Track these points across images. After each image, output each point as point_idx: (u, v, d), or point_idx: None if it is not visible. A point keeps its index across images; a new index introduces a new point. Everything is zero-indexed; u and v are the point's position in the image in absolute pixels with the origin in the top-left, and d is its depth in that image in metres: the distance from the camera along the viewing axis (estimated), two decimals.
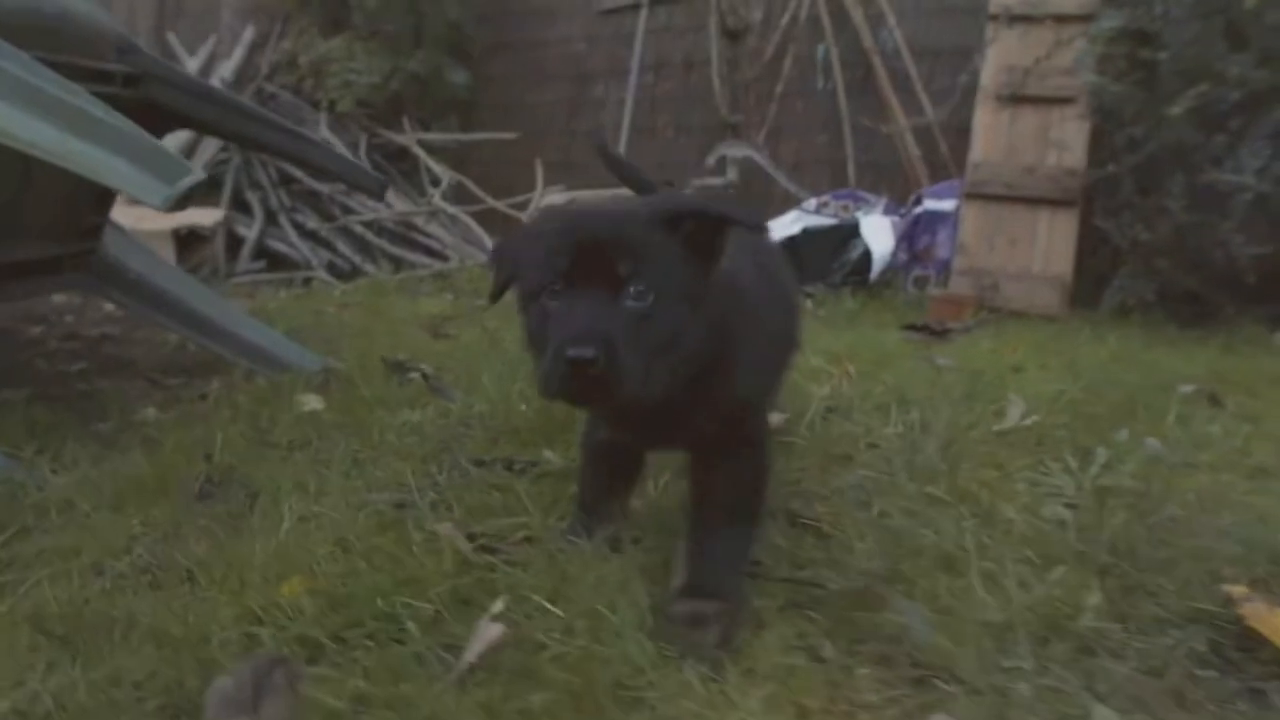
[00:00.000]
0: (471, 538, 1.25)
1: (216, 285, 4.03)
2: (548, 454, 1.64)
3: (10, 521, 1.32)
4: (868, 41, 3.92)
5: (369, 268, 4.38)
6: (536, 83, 4.89)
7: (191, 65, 5.20)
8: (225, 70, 5.01)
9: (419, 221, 4.42)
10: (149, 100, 2.06)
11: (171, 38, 5.32)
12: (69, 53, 1.84)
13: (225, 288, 3.97)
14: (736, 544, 1.13)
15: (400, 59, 4.42)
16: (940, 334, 2.53)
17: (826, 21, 3.99)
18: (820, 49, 4.04)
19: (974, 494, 1.36)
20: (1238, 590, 0.99)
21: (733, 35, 4.00)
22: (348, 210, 4.51)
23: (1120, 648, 0.94)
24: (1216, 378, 1.99)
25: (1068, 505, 1.35)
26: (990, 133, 3.33)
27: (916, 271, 3.31)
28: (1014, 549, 1.15)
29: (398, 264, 4.39)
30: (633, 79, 4.45)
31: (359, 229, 4.47)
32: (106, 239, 2.29)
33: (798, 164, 4.17)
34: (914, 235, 3.32)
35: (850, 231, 3.33)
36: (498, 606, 0.98)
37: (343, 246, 4.45)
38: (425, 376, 2.16)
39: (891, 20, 3.87)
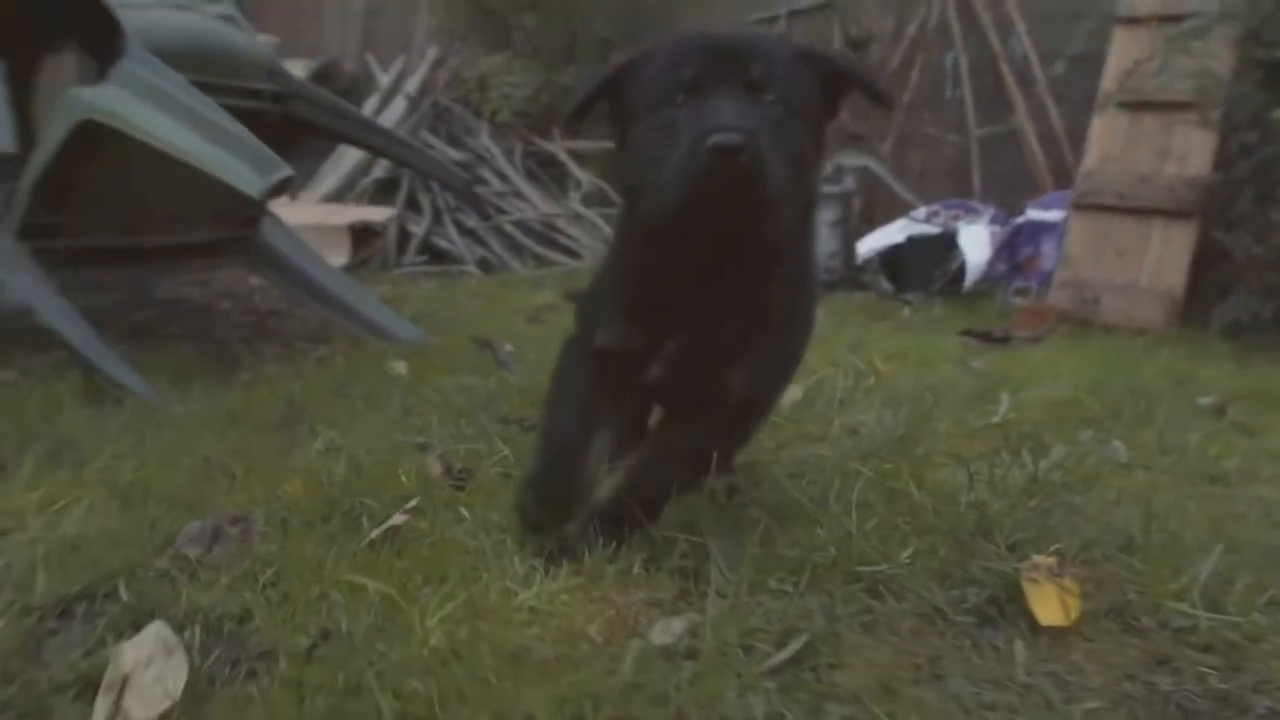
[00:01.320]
0: (449, 468, 1.55)
1: (383, 274, 4.63)
2: None
3: (136, 429, 1.77)
4: (996, 47, 3.88)
5: (515, 264, 4.84)
6: None
7: (384, 80, 5.95)
8: (410, 85, 5.70)
9: (560, 223, 4.83)
10: (292, 114, 2.54)
11: (370, 58, 6.11)
12: (227, 75, 2.33)
13: (389, 277, 4.55)
14: (676, 489, 1.15)
15: (553, 73, 4.86)
16: (1000, 341, 2.55)
17: (956, 29, 3.99)
18: (949, 57, 4.03)
19: (895, 474, 1.48)
20: (1043, 560, 1.09)
21: (855, 45, 4.09)
22: (501, 211, 5.00)
23: (908, 594, 1.07)
24: (1253, 395, 1.92)
25: (991, 491, 1.45)
26: (1106, 139, 3.23)
27: (1018, 283, 3.26)
28: (887, 516, 1.28)
29: (540, 261, 4.82)
30: None
31: (509, 228, 4.95)
32: (263, 227, 2.81)
33: (923, 173, 4.18)
34: (1015, 246, 3.28)
35: (951, 241, 3.35)
36: (411, 504, 1.26)
37: (495, 244, 4.95)
38: (493, 351, 2.50)
39: (1021, 26, 3.81)
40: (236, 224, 2.70)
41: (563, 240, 4.82)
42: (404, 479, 1.45)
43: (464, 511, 1.28)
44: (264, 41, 6.46)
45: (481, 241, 5.01)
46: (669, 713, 0.79)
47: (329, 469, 1.53)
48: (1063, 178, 3.62)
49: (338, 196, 5.37)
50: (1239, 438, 1.65)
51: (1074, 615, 0.95)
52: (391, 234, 5.07)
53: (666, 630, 0.95)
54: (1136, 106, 3.19)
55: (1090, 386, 1.94)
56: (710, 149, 0.92)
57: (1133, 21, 3.30)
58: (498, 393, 2.14)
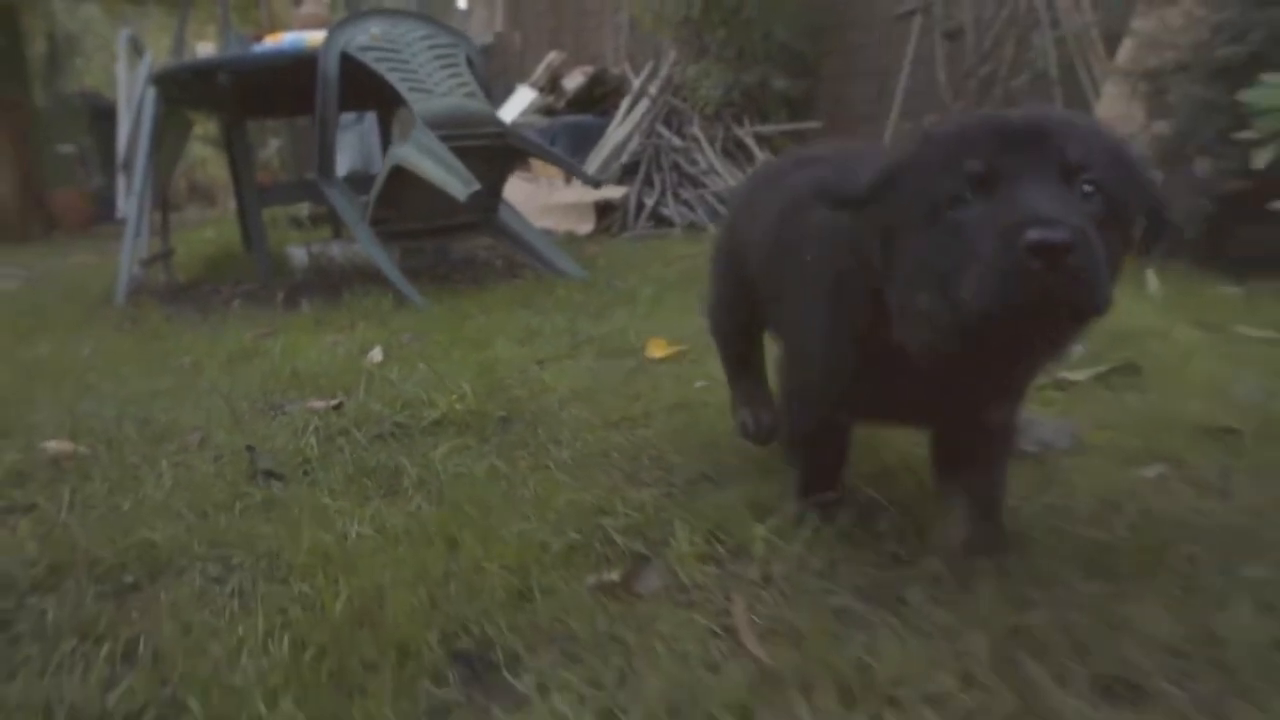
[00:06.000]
0: (530, 332, 3.44)
1: (616, 237, 6.66)
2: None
3: (411, 315, 3.89)
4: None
5: (713, 226, 6.61)
6: (853, 80, 6.55)
7: (635, 84, 7.97)
8: (652, 88, 7.66)
9: None
10: (505, 145, 4.57)
11: (626, 65, 8.20)
12: (470, 128, 4.41)
13: (613, 240, 6.56)
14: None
15: (740, 74, 6.53)
16: None
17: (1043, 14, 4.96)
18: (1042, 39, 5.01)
19: None
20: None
21: (950, 36, 5.19)
22: (703, 185, 6.81)
23: None
24: None
25: None
26: (1110, 106, 4.21)
27: None
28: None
29: None
30: (904, 76, 5.88)
31: (710, 198, 6.73)
32: (501, 211, 4.92)
33: None
34: None
35: None
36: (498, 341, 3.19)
37: (700, 210, 6.76)
38: (609, 282, 4.34)
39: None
40: (485, 210, 4.84)
41: None
42: (508, 331, 3.39)
43: (523, 342, 3.18)
44: (553, 57, 8.84)
45: (693, 208, 6.85)
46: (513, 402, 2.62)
47: (479, 328, 3.51)
48: None
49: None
50: None
51: (664, 354, 2.59)
52: (631, 205, 7.10)
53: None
54: (1153, 74, 4.12)
55: None
56: (1028, 247, 0.80)
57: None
58: (598, 300, 4.00)
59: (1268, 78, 2.58)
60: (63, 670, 1.12)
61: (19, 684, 1.10)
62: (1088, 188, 0.90)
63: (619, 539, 1.37)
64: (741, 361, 1.78)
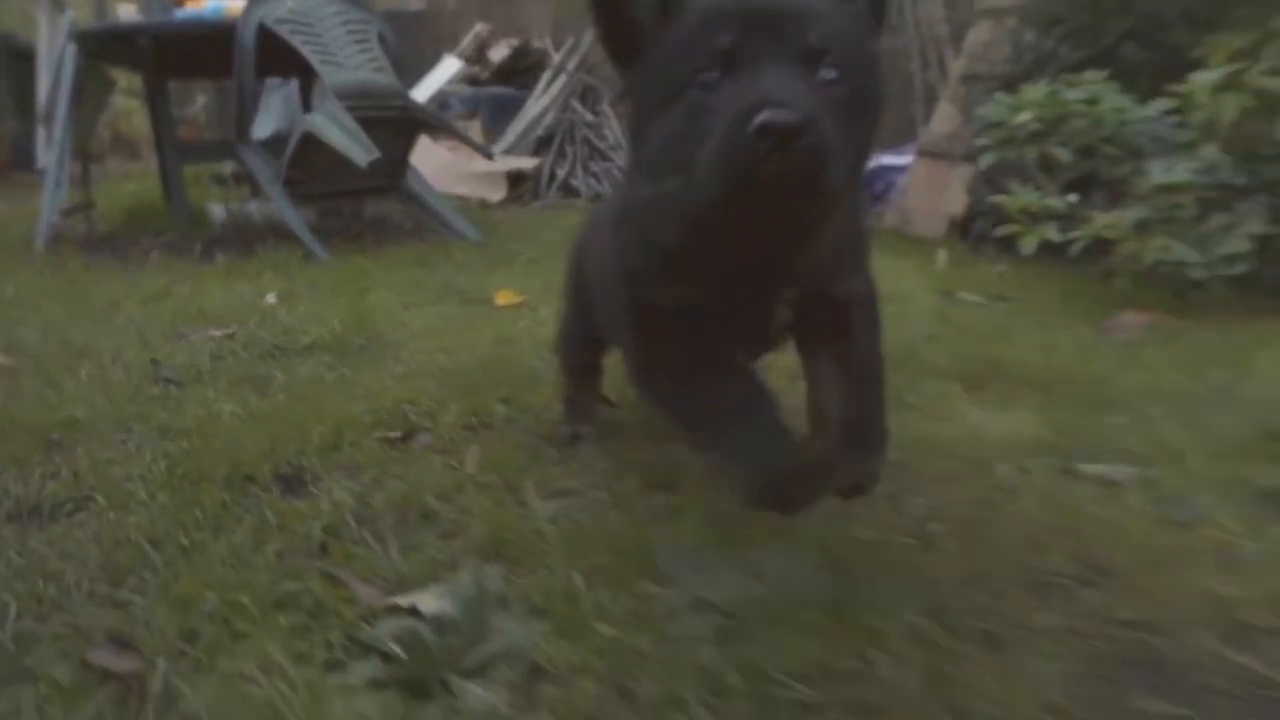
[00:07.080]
0: (415, 283, 4.01)
1: (525, 206, 7.22)
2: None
3: (312, 268, 4.43)
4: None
5: None
6: None
7: (555, 59, 8.50)
8: (570, 64, 8.20)
9: None
10: (410, 117, 5.10)
11: (547, 40, 8.72)
12: (374, 99, 4.93)
13: (533, 207, 7.12)
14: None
15: None
16: None
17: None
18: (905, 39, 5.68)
19: None
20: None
21: None
22: (610, 159, 7.40)
23: None
24: None
25: None
26: (946, 107, 4.90)
27: (875, 209, 5.02)
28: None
29: None
30: None
31: (616, 171, 7.33)
32: (408, 176, 5.45)
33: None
34: (870, 183, 5.01)
35: None
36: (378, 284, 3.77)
37: (605, 183, 7.36)
38: (502, 245, 4.92)
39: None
40: (391, 176, 5.38)
41: None
42: (394, 283, 3.96)
43: (401, 291, 3.75)
44: (480, 28, 9.29)
45: (600, 180, 7.44)
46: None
47: (371, 280, 4.07)
48: None
49: (513, 148, 8.04)
50: None
51: (507, 301, 3.20)
52: (544, 175, 7.66)
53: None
54: (969, 79, 4.82)
55: None
56: (759, 129, 0.84)
57: (987, 13, 4.90)
58: (485, 259, 4.58)
59: (999, 96, 3.25)
60: (7, 481, 1.70)
61: None
62: (829, 73, 0.94)
63: (412, 416, 1.99)
64: (582, 376, 1.87)
